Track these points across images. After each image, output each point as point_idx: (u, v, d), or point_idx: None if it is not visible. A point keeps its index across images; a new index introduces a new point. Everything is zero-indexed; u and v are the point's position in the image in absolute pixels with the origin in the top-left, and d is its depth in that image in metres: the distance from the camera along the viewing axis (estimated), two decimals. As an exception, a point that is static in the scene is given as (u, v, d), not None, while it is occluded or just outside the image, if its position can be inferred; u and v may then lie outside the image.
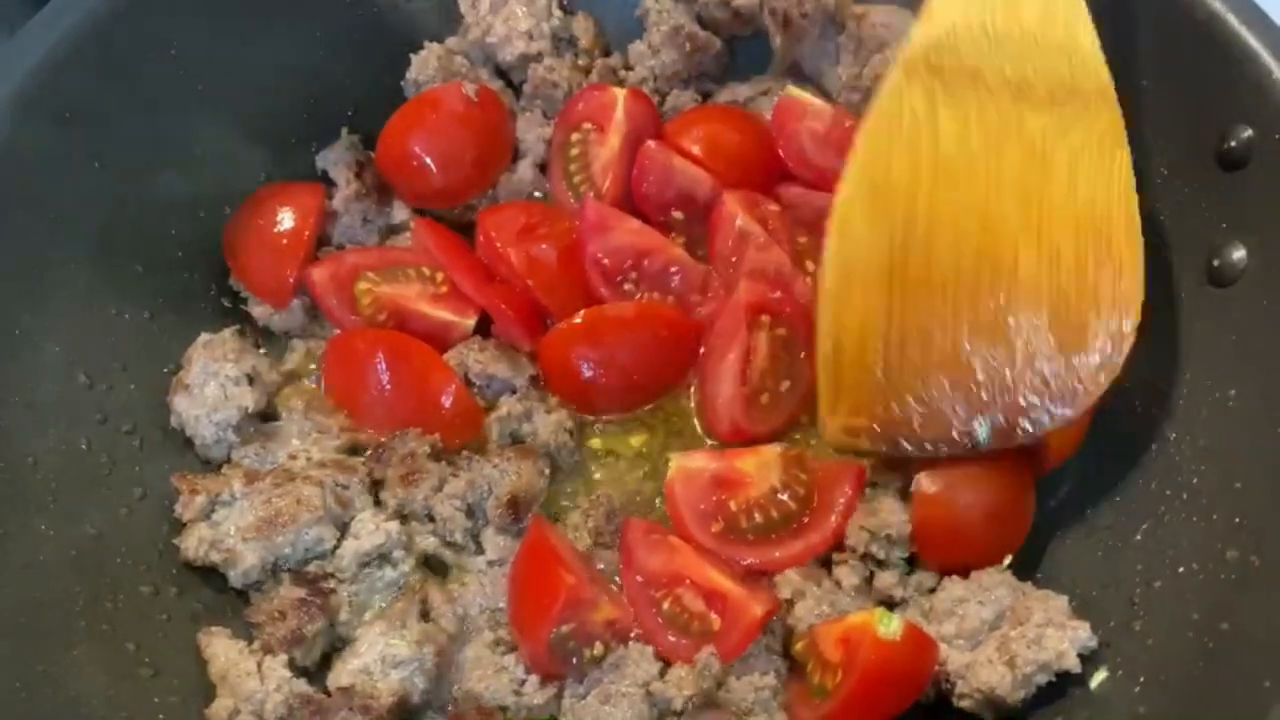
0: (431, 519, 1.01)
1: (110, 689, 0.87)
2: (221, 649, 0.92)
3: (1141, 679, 0.88)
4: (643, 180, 1.17)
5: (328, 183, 1.21)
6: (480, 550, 1.02)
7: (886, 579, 0.99)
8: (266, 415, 1.09)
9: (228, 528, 0.97)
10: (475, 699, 0.92)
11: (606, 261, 1.12)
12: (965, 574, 0.97)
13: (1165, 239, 1.02)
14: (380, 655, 0.92)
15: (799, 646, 0.96)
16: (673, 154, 1.17)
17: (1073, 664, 0.90)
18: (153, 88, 1.08)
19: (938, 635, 0.94)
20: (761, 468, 1.02)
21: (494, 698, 0.92)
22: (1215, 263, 0.97)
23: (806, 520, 1.00)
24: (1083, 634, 0.91)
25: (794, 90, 1.19)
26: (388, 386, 1.08)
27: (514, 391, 1.09)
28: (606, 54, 1.28)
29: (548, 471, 1.05)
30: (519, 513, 1.00)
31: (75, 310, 1.02)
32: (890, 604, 0.99)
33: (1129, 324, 0.93)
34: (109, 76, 1.04)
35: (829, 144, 1.15)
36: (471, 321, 1.13)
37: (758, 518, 1.00)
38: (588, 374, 1.09)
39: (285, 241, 1.14)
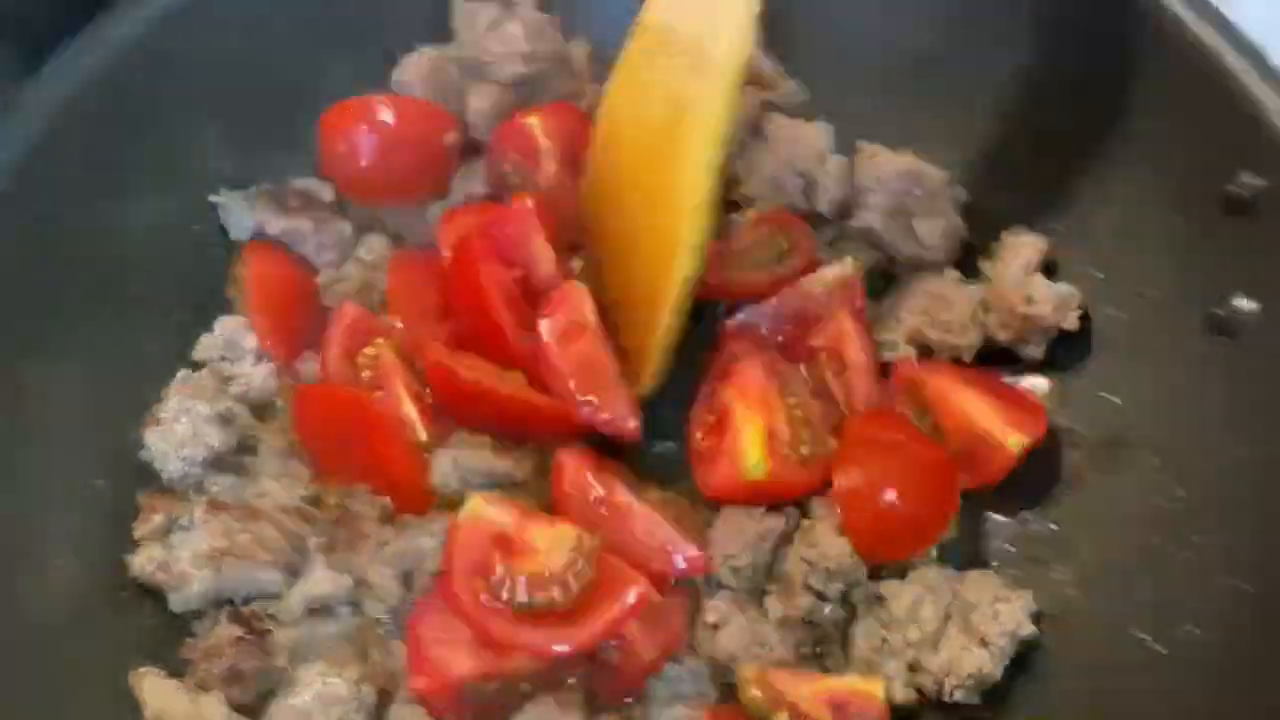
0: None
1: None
2: (155, 688, 0.90)
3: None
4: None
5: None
6: None
7: (824, 614, 0.98)
8: (243, 448, 1.06)
9: (181, 552, 0.95)
10: None
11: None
12: (894, 564, 1.01)
13: (1171, 287, 1.01)
14: (318, 693, 0.90)
15: (752, 694, 0.93)
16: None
17: (1031, 631, 0.95)
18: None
19: (904, 643, 0.96)
20: (554, 543, 0.94)
21: None
22: (1218, 311, 0.95)
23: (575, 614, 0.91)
24: (1026, 602, 0.96)
25: None
26: (347, 446, 1.04)
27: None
28: (600, 80, 1.24)
29: None
30: None
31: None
32: (825, 637, 0.99)
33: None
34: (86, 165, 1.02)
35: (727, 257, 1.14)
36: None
37: (524, 594, 0.91)
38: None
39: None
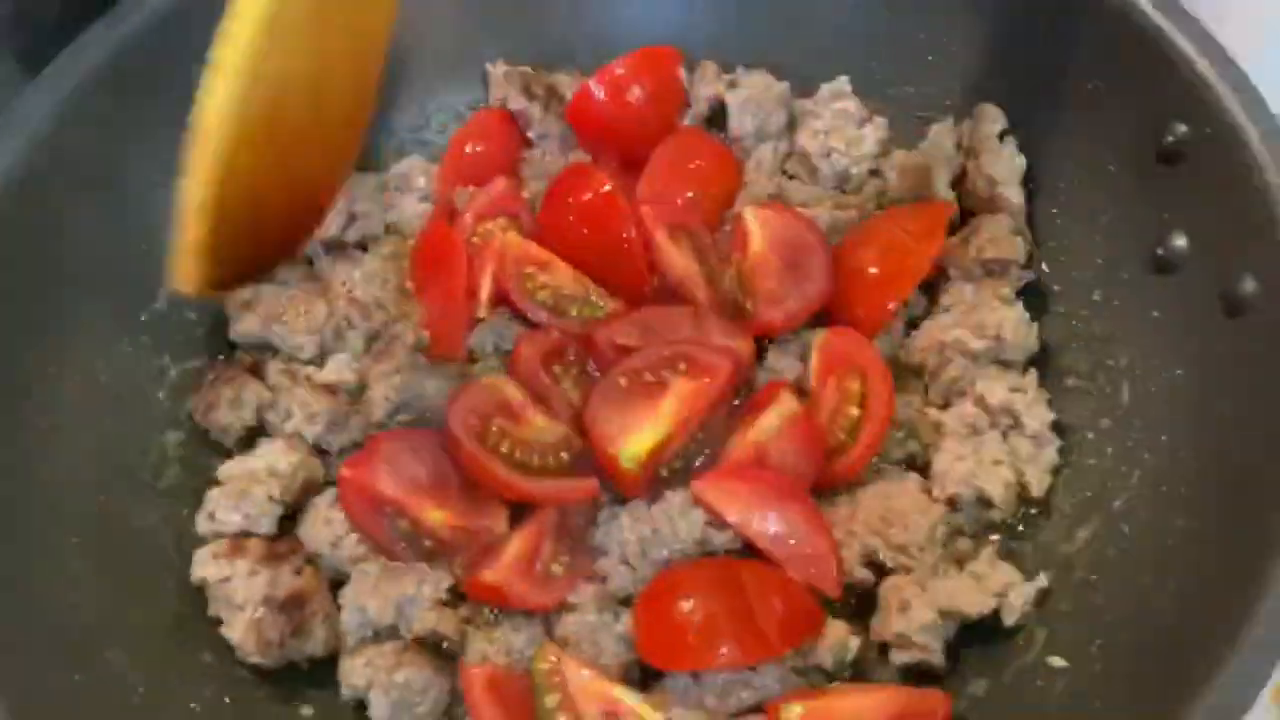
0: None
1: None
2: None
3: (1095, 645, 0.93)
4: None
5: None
6: None
7: None
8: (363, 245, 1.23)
9: (267, 307, 1.14)
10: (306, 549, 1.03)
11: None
12: None
13: (1113, 230, 1.08)
14: (267, 464, 1.06)
15: None
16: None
17: None
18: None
19: None
20: (548, 429, 1.06)
21: (317, 547, 1.02)
22: (1159, 251, 1.02)
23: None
24: None
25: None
26: (432, 276, 1.18)
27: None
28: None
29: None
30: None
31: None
32: None
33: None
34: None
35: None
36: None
37: (518, 453, 1.03)
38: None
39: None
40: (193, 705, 0.94)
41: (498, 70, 1.31)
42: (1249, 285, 0.93)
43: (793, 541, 0.98)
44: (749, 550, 1.00)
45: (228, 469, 1.06)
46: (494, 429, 1.04)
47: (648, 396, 1.04)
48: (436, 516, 1.02)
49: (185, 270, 0.95)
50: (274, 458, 1.06)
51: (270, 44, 0.88)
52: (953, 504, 1.04)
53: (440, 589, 0.99)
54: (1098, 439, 1.04)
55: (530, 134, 1.30)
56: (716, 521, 0.99)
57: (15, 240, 0.99)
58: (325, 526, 1.03)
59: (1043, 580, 0.97)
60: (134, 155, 1.08)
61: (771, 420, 1.03)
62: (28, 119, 1.02)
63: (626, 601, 0.99)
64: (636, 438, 1.02)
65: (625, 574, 0.99)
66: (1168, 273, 1.02)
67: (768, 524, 0.99)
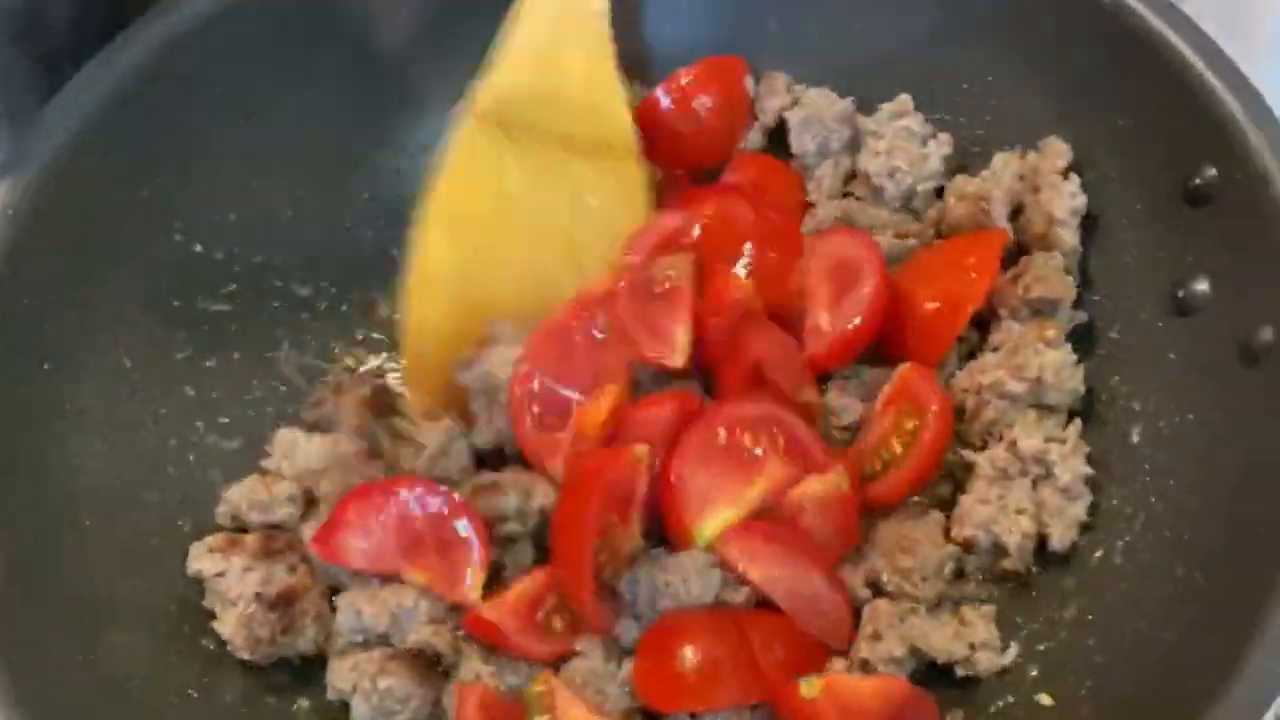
0: None
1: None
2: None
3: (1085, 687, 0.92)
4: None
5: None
6: None
7: None
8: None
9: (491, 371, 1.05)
10: None
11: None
12: None
13: (1135, 269, 1.07)
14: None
15: None
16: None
17: None
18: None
19: None
20: (596, 409, 1.00)
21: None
22: (1179, 294, 1.01)
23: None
24: None
25: None
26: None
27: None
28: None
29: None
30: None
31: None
32: None
33: None
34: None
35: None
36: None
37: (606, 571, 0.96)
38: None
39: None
40: (190, 691, 0.96)
41: None
42: (1267, 335, 0.91)
43: (810, 601, 0.97)
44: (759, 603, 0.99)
45: (280, 438, 1.06)
46: (609, 527, 0.95)
47: (742, 468, 0.99)
48: (417, 578, 0.99)
49: (412, 383, 1.11)
50: (315, 454, 1.04)
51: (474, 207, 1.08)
52: (968, 546, 1.02)
53: (438, 607, 0.99)
54: (1104, 479, 1.03)
55: None
56: (734, 580, 0.97)
57: (49, 225, 1.00)
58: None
59: (1013, 653, 0.97)
60: (173, 153, 1.10)
61: (815, 488, 0.99)
62: (76, 107, 1.03)
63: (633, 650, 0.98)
64: (719, 515, 0.98)
65: (633, 626, 0.97)
66: (1187, 316, 1.01)
67: (789, 583, 0.96)
